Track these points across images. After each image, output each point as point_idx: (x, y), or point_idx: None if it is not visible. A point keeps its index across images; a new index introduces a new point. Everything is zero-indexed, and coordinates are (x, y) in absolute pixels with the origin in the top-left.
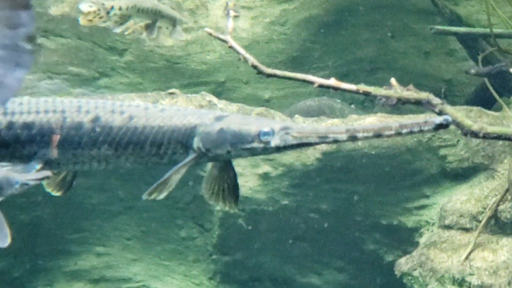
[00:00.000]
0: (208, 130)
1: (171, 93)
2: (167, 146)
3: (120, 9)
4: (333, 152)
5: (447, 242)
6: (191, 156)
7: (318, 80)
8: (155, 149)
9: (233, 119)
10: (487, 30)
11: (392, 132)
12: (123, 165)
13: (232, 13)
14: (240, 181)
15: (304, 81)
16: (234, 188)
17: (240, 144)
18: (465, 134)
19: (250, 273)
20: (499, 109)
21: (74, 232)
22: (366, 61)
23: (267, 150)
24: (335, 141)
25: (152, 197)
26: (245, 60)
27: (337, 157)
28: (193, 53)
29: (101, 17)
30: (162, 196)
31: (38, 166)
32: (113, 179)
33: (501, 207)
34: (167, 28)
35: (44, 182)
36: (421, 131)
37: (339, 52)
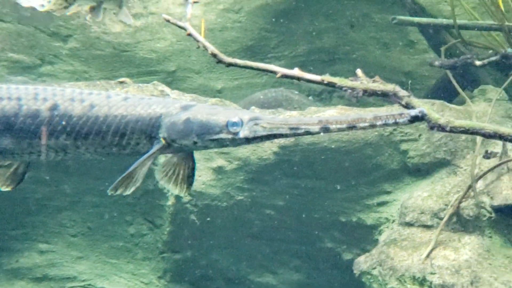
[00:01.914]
0: (174, 120)
1: (121, 82)
2: (130, 136)
3: None
4: (291, 146)
5: (408, 240)
6: (156, 147)
7: (281, 70)
8: (118, 139)
9: (200, 109)
10: (450, 21)
11: (366, 124)
12: (83, 156)
13: None
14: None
15: (266, 70)
16: (189, 177)
17: (208, 135)
18: (432, 128)
19: (202, 271)
20: (460, 102)
21: (15, 228)
22: (324, 52)
23: (235, 141)
24: (307, 132)
25: (118, 192)
26: (204, 48)
27: (295, 151)
28: (142, 41)
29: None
30: (129, 191)
31: None
32: (58, 173)
33: (463, 204)
34: (114, 13)
35: None
36: (396, 123)
37: (297, 42)
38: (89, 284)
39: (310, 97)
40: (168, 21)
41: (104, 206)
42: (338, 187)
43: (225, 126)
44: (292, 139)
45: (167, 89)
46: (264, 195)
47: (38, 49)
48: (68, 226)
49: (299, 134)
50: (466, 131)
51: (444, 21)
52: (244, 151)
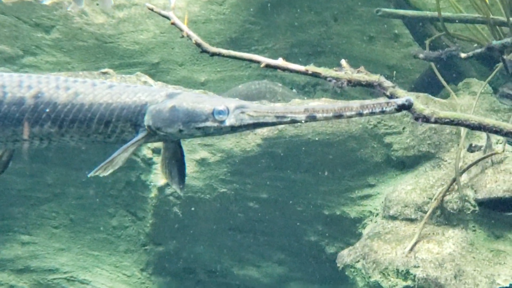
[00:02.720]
0: (159, 108)
1: (104, 73)
2: (116, 124)
3: None
4: (275, 138)
5: (391, 233)
6: (141, 134)
7: (265, 60)
8: (102, 127)
9: (186, 97)
10: (435, 14)
11: (353, 112)
12: (67, 144)
13: None
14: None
15: (250, 60)
16: (181, 171)
17: (193, 123)
18: (417, 119)
19: (185, 264)
20: (444, 96)
21: None
22: (308, 44)
23: (221, 129)
24: (293, 121)
25: (96, 174)
26: (188, 38)
27: (278, 143)
28: (125, 32)
29: None
30: (106, 173)
31: None
32: (40, 164)
33: (447, 198)
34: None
35: None
36: (382, 111)
37: (280, 34)
38: (71, 276)
39: (294, 90)
40: (152, 10)
41: (87, 198)
42: (322, 180)
43: (211, 114)
44: (275, 131)
45: (150, 81)
46: (247, 187)
47: (21, 39)
48: (50, 218)
49: (285, 122)
50: (451, 122)
51: (429, 13)
52: (227, 143)
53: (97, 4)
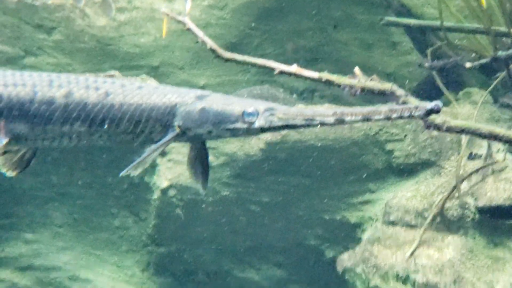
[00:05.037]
0: (189, 109)
1: (110, 76)
2: (145, 125)
3: None
4: (278, 143)
5: (392, 239)
6: (170, 135)
7: (279, 66)
8: (132, 127)
9: (216, 98)
10: (438, 23)
11: (381, 116)
12: (95, 143)
13: None
14: (179, 169)
15: (264, 66)
16: (205, 171)
17: (223, 124)
18: (428, 127)
19: (186, 266)
20: (443, 104)
21: (1, 217)
22: (307, 51)
23: (250, 131)
24: (321, 124)
25: (128, 173)
26: (203, 43)
27: (281, 148)
28: (126, 35)
29: None
30: (136, 172)
31: (5, 141)
32: (46, 164)
33: (448, 205)
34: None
35: (0, 161)
36: (411, 116)
37: (280, 41)
38: (74, 275)
39: (294, 96)
40: (167, 15)
41: (90, 198)
42: (323, 185)
43: (241, 116)
44: (278, 136)
45: (154, 83)
46: (249, 191)
47: (22, 40)
48: (54, 217)
49: (314, 125)
50: (461, 131)
51: (432, 23)
52: (231, 146)
53: (98, 6)
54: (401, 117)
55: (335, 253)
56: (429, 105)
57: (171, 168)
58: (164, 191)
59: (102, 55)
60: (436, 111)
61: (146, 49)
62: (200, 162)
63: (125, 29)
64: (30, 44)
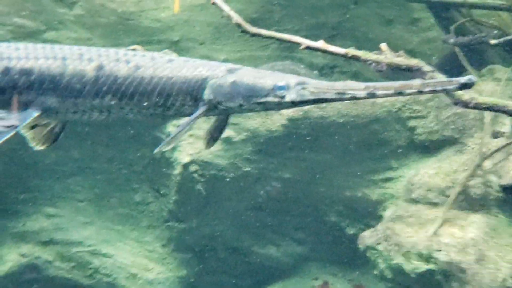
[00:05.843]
0: (220, 83)
1: (132, 50)
2: (176, 98)
3: None
4: (300, 119)
5: (414, 217)
6: (202, 109)
7: (305, 41)
8: (163, 101)
9: (247, 72)
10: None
11: (414, 90)
12: (125, 116)
13: None
14: (201, 145)
15: (290, 41)
16: (218, 135)
17: (254, 98)
18: (456, 104)
19: (206, 241)
20: None
21: (23, 191)
22: (327, 27)
23: (281, 104)
24: (353, 97)
25: (162, 149)
26: (229, 18)
27: (303, 124)
28: (146, 9)
29: None
30: (169, 147)
31: (36, 114)
32: (67, 138)
33: (471, 183)
34: None
35: (29, 134)
36: (443, 90)
37: (300, 16)
38: (94, 249)
39: (315, 72)
40: None
41: (111, 173)
42: (345, 162)
43: (272, 89)
44: (300, 112)
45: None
46: (271, 167)
47: (44, 14)
48: (76, 192)
49: (345, 99)
50: (489, 107)
51: None
52: (253, 122)
53: None
54: (434, 91)
55: (356, 231)
56: (463, 79)
57: (192, 144)
58: (186, 167)
59: (123, 29)
60: (470, 85)
61: (166, 23)
62: (217, 130)
63: (146, 3)
64: (51, 19)
